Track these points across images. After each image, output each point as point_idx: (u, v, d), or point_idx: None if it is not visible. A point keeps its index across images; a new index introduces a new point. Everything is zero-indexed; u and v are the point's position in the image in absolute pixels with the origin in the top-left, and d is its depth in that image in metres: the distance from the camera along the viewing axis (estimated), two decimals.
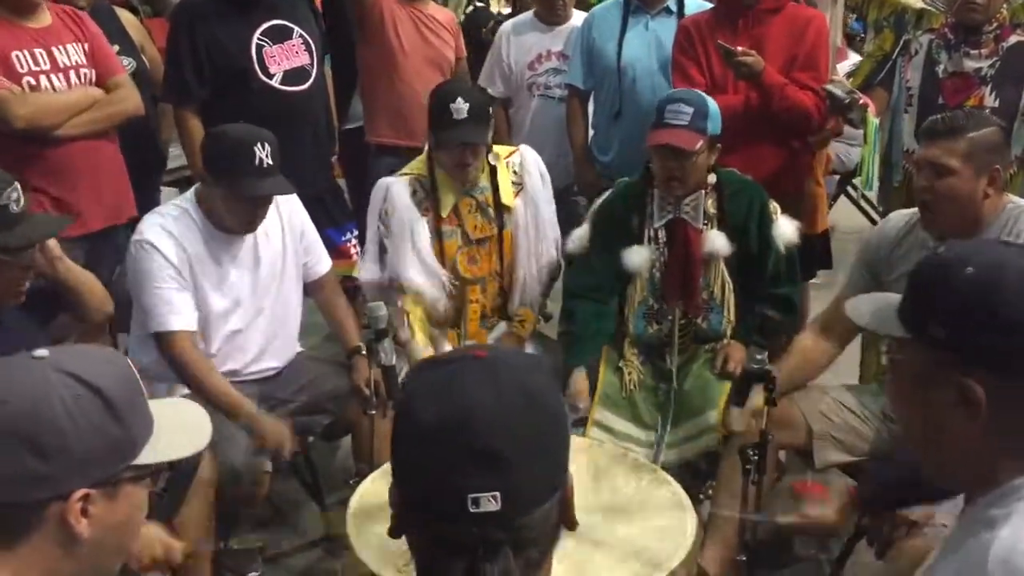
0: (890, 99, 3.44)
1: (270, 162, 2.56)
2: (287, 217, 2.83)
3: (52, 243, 2.35)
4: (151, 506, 1.27)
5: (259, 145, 2.54)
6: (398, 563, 1.86)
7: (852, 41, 6.27)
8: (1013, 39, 3.20)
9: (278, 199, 2.73)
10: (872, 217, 5.58)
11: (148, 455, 1.20)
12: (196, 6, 3.31)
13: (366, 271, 3.01)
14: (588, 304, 2.93)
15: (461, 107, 2.74)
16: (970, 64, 3.20)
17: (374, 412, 2.62)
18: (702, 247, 2.82)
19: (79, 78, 2.99)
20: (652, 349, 2.93)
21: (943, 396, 1.17)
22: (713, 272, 2.85)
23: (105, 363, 1.21)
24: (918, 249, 2.41)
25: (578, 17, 3.88)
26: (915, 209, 2.47)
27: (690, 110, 2.70)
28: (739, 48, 3.04)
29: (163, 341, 2.61)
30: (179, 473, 2.26)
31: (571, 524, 1.03)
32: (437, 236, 2.94)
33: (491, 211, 2.98)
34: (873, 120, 3.32)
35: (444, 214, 2.94)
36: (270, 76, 3.28)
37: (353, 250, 3.57)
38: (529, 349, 3.01)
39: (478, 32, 4.95)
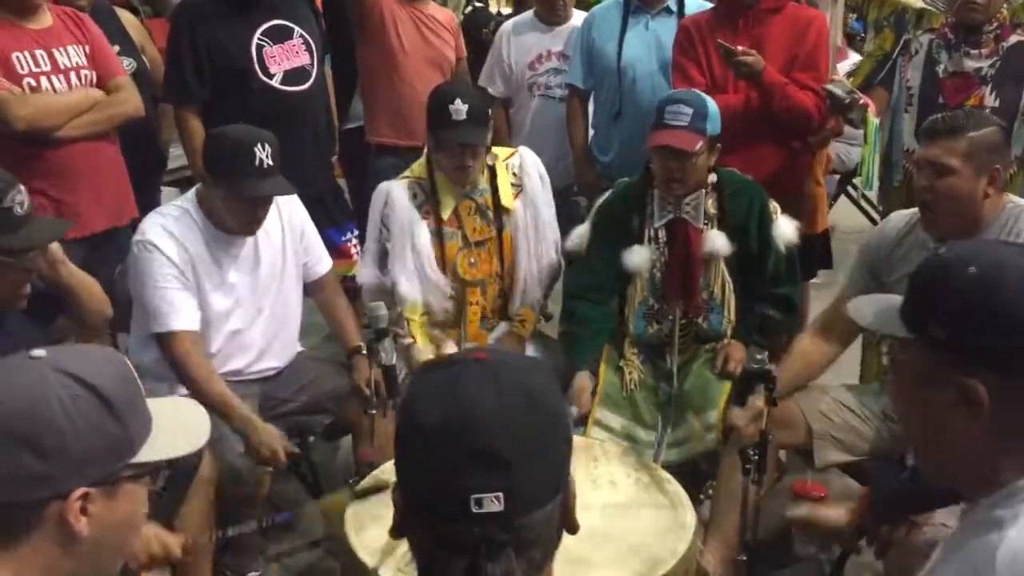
0: (890, 99, 3.44)
1: (270, 163, 2.56)
2: (287, 217, 2.83)
3: (55, 247, 2.35)
4: (151, 505, 1.27)
5: (259, 146, 2.54)
6: (399, 563, 1.86)
7: (852, 41, 6.27)
8: (1013, 39, 3.20)
9: (278, 199, 2.73)
10: (872, 217, 5.58)
11: (147, 454, 1.20)
12: (196, 6, 3.31)
13: (365, 274, 3.01)
14: (588, 304, 2.93)
15: (460, 108, 2.74)
16: (970, 64, 3.20)
17: (374, 412, 2.62)
18: (702, 247, 2.82)
19: (80, 79, 3.00)
20: (652, 349, 2.93)
21: (944, 396, 1.17)
22: (713, 272, 2.85)
23: (103, 362, 1.21)
24: (918, 250, 2.41)
25: (578, 17, 3.88)
26: (915, 210, 2.47)
27: (690, 111, 2.70)
28: (739, 47, 3.04)
29: (165, 341, 2.61)
30: (179, 472, 2.25)
31: (572, 528, 1.03)
32: (438, 238, 2.94)
33: (490, 213, 2.98)
34: (873, 120, 3.32)
35: (444, 216, 2.94)
36: (270, 76, 3.28)
37: (353, 250, 3.58)
38: (530, 349, 3.01)
39: (478, 32, 4.95)
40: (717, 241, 2.81)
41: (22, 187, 2.20)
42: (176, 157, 3.89)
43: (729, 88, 3.16)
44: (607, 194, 3.02)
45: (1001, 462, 1.16)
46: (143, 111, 3.20)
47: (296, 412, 2.81)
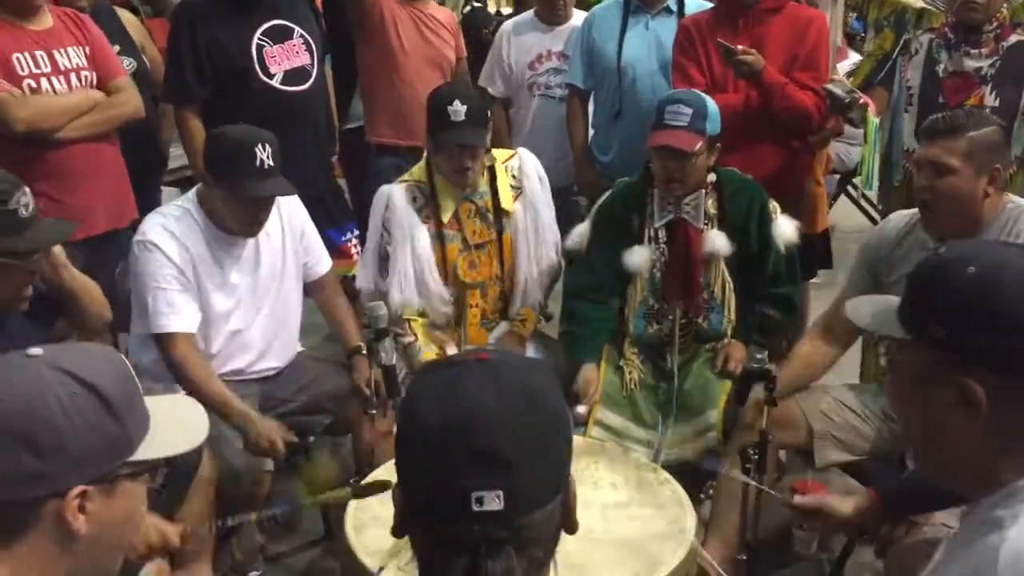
0: (890, 98, 3.44)
1: (271, 163, 2.56)
2: (287, 217, 2.83)
3: (57, 250, 2.35)
4: (150, 503, 1.28)
5: (260, 146, 2.54)
6: (399, 562, 1.86)
7: (852, 40, 6.27)
8: (1013, 38, 3.20)
9: (279, 199, 2.73)
10: (872, 216, 5.58)
11: (145, 452, 1.20)
12: (196, 6, 3.31)
13: (363, 279, 3.01)
14: (589, 304, 2.93)
15: (459, 109, 2.74)
16: (970, 63, 3.20)
17: (374, 412, 2.62)
18: (702, 247, 2.82)
19: (80, 81, 2.99)
20: (652, 349, 2.93)
21: (943, 396, 1.17)
22: (713, 272, 2.85)
23: (101, 361, 1.21)
24: (918, 250, 2.41)
25: (578, 17, 3.87)
26: (915, 210, 2.47)
27: (689, 111, 2.70)
28: (739, 47, 3.04)
29: (162, 343, 2.61)
30: (178, 470, 2.25)
31: (572, 528, 1.04)
32: (439, 241, 2.94)
33: (490, 216, 2.97)
34: (873, 119, 3.32)
35: (445, 220, 2.94)
36: (270, 76, 3.28)
37: (353, 250, 3.58)
38: (530, 349, 3.02)
39: (478, 32, 4.95)
40: (717, 241, 2.81)
41: (27, 189, 2.20)
42: (176, 157, 3.90)
43: (729, 88, 3.16)
44: (607, 194, 3.02)
45: (1000, 462, 1.16)
46: (143, 112, 3.20)
47: (296, 412, 2.81)
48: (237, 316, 2.74)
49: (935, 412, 1.19)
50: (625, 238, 2.89)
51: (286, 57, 3.33)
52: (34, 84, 2.89)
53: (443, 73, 3.81)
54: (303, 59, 3.37)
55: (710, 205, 2.83)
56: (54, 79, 2.93)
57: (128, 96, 3.12)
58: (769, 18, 3.18)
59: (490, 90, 3.97)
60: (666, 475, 2.31)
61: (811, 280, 3.61)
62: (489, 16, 5.75)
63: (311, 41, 3.40)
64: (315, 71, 3.41)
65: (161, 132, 3.76)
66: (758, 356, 2.33)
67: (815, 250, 3.42)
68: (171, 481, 2.22)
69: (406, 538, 1.03)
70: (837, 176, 5.52)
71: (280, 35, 3.33)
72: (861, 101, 3.17)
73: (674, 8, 3.55)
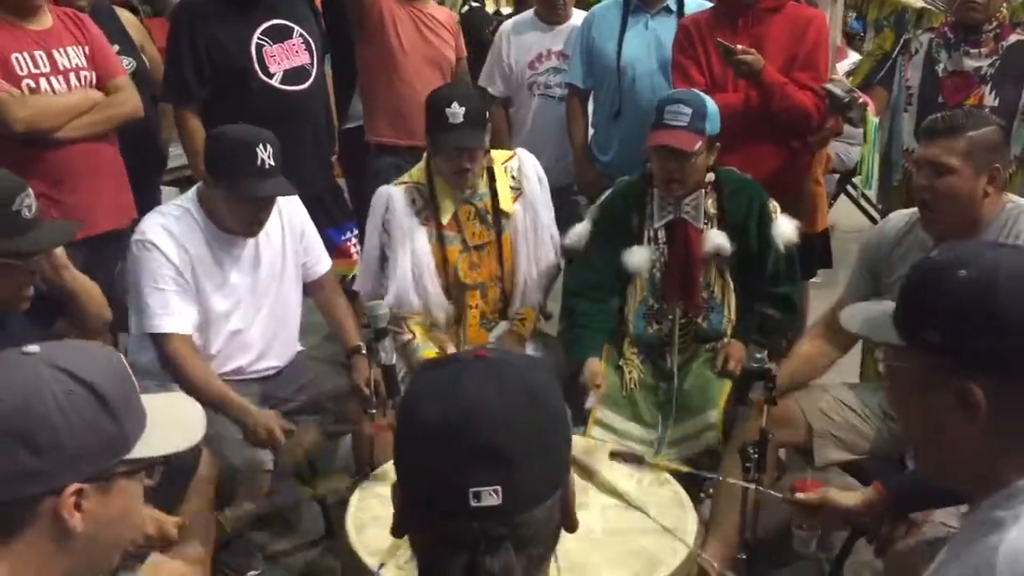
0: (890, 98, 3.44)
1: (271, 163, 2.56)
2: (287, 217, 2.83)
3: (58, 251, 2.35)
4: (149, 502, 1.28)
5: (260, 146, 2.54)
6: (398, 560, 1.86)
7: (852, 40, 6.28)
8: (1013, 38, 3.20)
9: (279, 199, 2.72)
10: (872, 216, 5.58)
11: (141, 450, 1.20)
12: (196, 6, 3.31)
13: (361, 283, 3.01)
14: (588, 302, 2.93)
15: (457, 112, 2.74)
16: (970, 63, 3.20)
17: (374, 412, 2.62)
18: (702, 247, 2.82)
19: (79, 80, 2.99)
20: (652, 349, 2.93)
21: (942, 400, 1.17)
22: (713, 271, 2.85)
23: (98, 359, 1.21)
24: (918, 249, 2.41)
25: (578, 16, 3.87)
26: (915, 209, 2.47)
27: (689, 111, 2.70)
28: (739, 46, 3.04)
29: (158, 342, 2.61)
30: (176, 469, 2.25)
31: (572, 526, 1.04)
32: (439, 242, 2.94)
33: (489, 217, 2.97)
34: (873, 119, 3.32)
35: (444, 221, 2.93)
36: (270, 76, 3.28)
37: (353, 249, 3.57)
38: (530, 348, 3.01)
39: (478, 32, 4.95)
40: (717, 241, 2.81)
41: (31, 191, 2.20)
42: (176, 157, 3.89)
43: (729, 87, 3.16)
44: (607, 192, 3.02)
45: (1000, 462, 1.16)
46: (142, 112, 3.19)
47: (296, 412, 2.81)
48: (237, 316, 2.74)
49: (934, 415, 1.19)
50: (625, 237, 2.89)
51: (286, 57, 3.33)
52: (33, 84, 2.89)
53: (443, 73, 3.81)
54: (303, 59, 3.36)
55: (710, 205, 2.83)
56: (53, 79, 2.93)
57: (127, 96, 3.12)
58: (768, 18, 3.18)
59: (490, 90, 3.97)
60: (666, 475, 2.31)
61: (811, 280, 3.62)
62: (489, 16, 5.75)
63: (311, 40, 3.40)
64: (315, 71, 3.41)
65: (160, 132, 3.76)
66: (758, 356, 2.33)
67: (815, 250, 3.42)
68: (170, 480, 2.22)
69: (405, 537, 1.03)
70: (837, 176, 5.53)
71: (280, 34, 3.33)
72: (860, 101, 3.17)
73: (674, 8, 3.55)
